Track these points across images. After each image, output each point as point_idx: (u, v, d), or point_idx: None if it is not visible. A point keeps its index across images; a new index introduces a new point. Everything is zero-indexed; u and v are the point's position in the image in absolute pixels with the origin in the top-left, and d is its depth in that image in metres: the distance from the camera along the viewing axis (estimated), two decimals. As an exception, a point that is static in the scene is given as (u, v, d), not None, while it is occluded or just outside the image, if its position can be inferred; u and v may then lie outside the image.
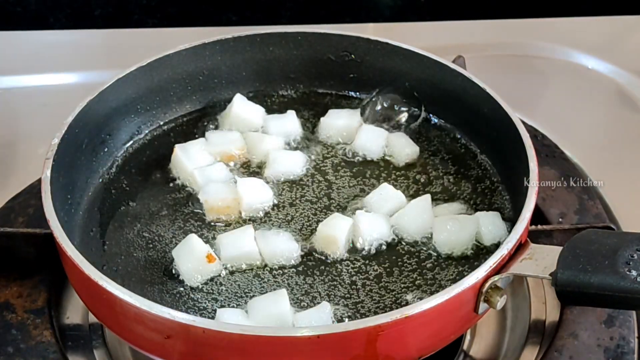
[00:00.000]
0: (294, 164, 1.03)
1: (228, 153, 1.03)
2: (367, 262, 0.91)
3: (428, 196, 0.96)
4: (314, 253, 0.92)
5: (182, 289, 0.88)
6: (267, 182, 1.00)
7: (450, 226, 0.92)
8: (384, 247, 0.93)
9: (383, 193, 0.97)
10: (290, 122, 1.08)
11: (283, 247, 0.91)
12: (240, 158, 1.04)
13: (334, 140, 1.07)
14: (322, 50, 1.12)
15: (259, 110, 1.10)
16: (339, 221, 0.93)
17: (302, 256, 0.92)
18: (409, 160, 1.04)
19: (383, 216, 0.95)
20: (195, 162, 1.02)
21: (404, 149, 1.05)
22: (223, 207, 0.96)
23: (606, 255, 0.77)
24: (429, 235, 0.93)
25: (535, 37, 1.46)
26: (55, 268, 0.94)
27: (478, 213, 0.94)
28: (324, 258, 0.92)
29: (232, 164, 1.03)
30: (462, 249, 0.92)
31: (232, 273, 0.90)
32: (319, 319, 0.83)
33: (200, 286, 0.88)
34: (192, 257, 0.89)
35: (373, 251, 0.92)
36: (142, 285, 0.89)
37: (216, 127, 1.09)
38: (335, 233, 0.92)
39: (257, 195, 0.97)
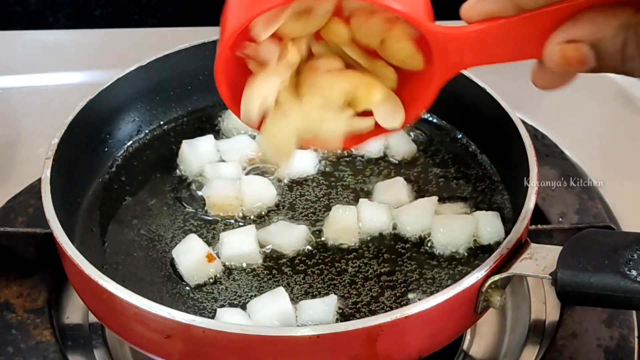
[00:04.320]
0: (307, 162, 1.03)
1: (243, 158, 1.03)
2: (367, 261, 0.91)
3: (435, 198, 0.96)
4: (314, 252, 0.92)
5: (182, 289, 0.88)
6: (279, 182, 1.01)
7: (448, 225, 0.92)
8: (384, 247, 0.93)
9: (394, 186, 0.97)
10: None
11: (291, 233, 0.92)
12: (256, 161, 1.04)
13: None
14: (322, 50, 1.12)
15: (261, 110, 1.10)
16: (345, 211, 0.93)
17: (308, 252, 0.92)
18: (407, 158, 1.04)
19: (385, 206, 0.95)
20: (203, 158, 1.02)
21: (401, 146, 1.05)
22: (225, 204, 0.96)
23: (606, 255, 0.77)
24: (428, 234, 0.93)
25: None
26: (55, 268, 0.94)
27: (476, 213, 0.94)
28: (332, 252, 0.92)
29: (244, 164, 1.03)
30: (461, 248, 0.92)
31: (231, 273, 0.90)
32: (322, 311, 0.84)
33: (200, 286, 0.88)
34: (192, 257, 0.89)
35: (374, 235, 0.93)
36: (142, 285, 0.89)
37: (218, 128, 1.09)
38: (348, 223, 0.92)
39: (260, 193, 0.97)
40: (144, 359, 0.93)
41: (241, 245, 0.90)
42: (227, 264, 0.90)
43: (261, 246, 0.92)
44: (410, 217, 0.94)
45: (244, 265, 0.90)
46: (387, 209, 0.95)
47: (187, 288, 0.88)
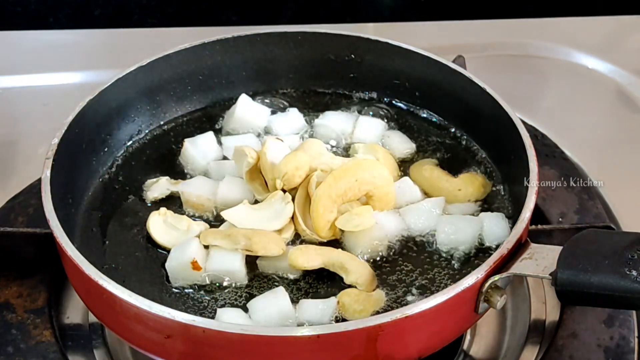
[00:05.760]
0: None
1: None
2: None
3: (443, 199, 0.96)
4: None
5: (182, 289, 0.88)
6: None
7: (453, 226, 0.92)
8: (385, 247, 0.93)
9: (402, 186, 0.97)
10: (295, 120, 1.08)
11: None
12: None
13: (330, 141, 1.07)
14: (322, 50, 1.12)
15: (263, 110, 1.10)
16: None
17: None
18: (406, 157, 1.05)
19: (395, 214, 0.95)
20: (206, 155, 1.02)
21: (400, 145, 1.05)
22: (197, 203, 0.96)
23: (606, 255, 0.77)
24: (433, 234, 0.93)
25: (535, 37, 1.46)
26: (55, 268, 0.94)
27: (482, 214, 0.94)
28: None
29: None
30: (465, 248, 0.91)
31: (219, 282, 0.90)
32: (322, 311, 0.84)
33: (200, 287, 0.88)
34: (179, 258, 0.88)
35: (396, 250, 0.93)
36: (142, 285, 0.89)
37: (219, 128, 1.09)
38: (381, 233, 0.92)
39: (236, 197, 0.95)
40: (144, 359, 0.93)
41: (226, 263, 0.88)
42: (211, 276, 0.89)
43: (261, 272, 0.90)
44: (416, 218, 0.94)
45: (229, 282, 0.89)
46: (397, 217, 0.94)
47: (188, 289, 0.88)
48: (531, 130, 1.15)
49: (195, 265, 0.87)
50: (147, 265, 0.91)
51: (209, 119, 1.11)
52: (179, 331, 0.76)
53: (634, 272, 0.76)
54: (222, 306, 0.86)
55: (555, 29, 1.50)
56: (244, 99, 1.09)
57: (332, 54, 1.13)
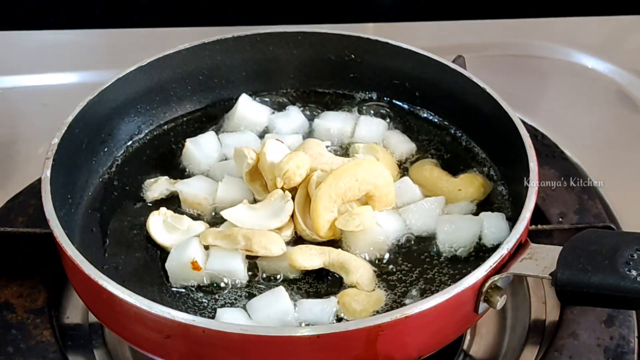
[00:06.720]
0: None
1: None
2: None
3: (442, 198, 0.96)
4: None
5: (182, 289, 0.88)
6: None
7: (453, 225, 0.92)
8: (386, 247, 0.93)
9: (402, 186, 0.97)
10: (295, 119, 1.08)
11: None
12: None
13: (330, 141, 1.07)
14: (322, 50, 1.12)
15: (264, 110, 1.10)
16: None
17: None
18: (406, 157, 1.05)
19: (396, 215, 0.95)
20: (207, 155, 1.02)
21: (400, 145, 1.05)
22: (194, 203, 0.96)
23: (606, 255, 0.77)
24: (432, 234, 0.93)
25: (535, 37, 1.46)
26: (55, 268, 0.94)
27: (482, 214, 0.94)
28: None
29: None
30: (464, 248, 0.92)
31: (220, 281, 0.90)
32: (322, 311, 0.83)
33: (200, 287, 0.88)
34: (179, 258, 0.88)
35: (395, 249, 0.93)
36: (142, 285, 0.89)
37: (220, 127, 1.09)
38: (381, 233, 0.92)
39: (234, 198, 0.95)
40: (144, 359, 0.93)
41: (227, 262, 0.88)
42: (211, 276, 0.89)
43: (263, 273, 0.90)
44: (416, 218, 0.94)
45: (229, 282, 0.89)
46: (397, 217, 0.95)
47: (188, 288, 0.88)
48: (531, 130, 1.15)
49: (195, 265, 0.87)
50: (147, 265, 0.91)
51: (209, 119, 1.11)
52: (179, 331, 0.76)
53: (634, 272, 0.76)
54: (222, 306, 0.86)
55: (555, 29, 1.50)
56: (244, 99, 1.09)
57: (332, 54, 1.13)
